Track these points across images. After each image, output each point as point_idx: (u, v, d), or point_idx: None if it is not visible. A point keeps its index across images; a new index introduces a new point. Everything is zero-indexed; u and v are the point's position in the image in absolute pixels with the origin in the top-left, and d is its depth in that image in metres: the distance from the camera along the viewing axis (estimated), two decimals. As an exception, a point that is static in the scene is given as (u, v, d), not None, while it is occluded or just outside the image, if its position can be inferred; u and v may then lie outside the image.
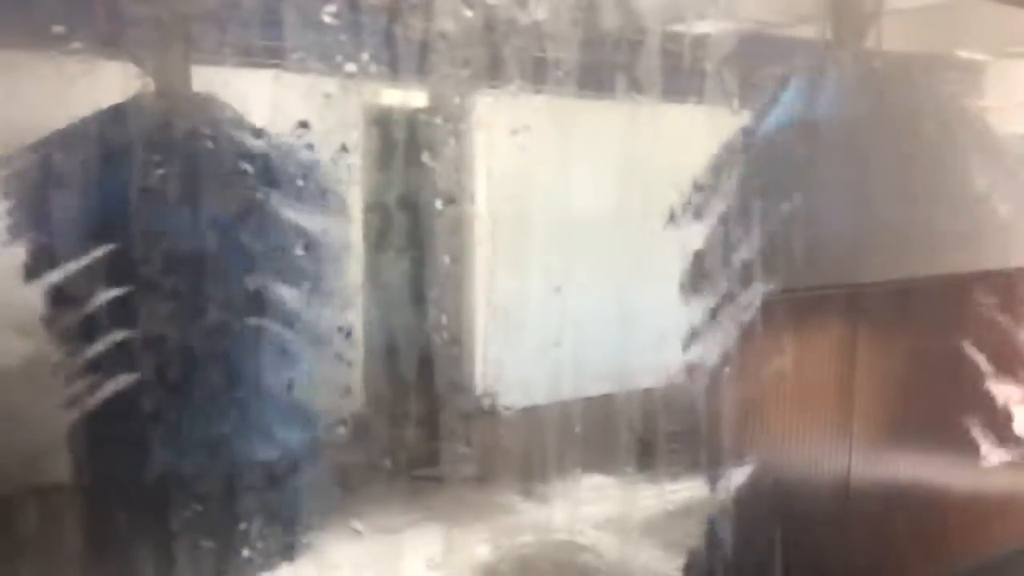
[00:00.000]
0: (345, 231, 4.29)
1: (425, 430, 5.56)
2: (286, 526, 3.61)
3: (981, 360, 4.17)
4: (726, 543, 4.06)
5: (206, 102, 3.09)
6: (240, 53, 3.65)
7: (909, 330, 4.27)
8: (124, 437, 3.16)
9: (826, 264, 3.99)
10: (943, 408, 4.22)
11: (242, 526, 3.39)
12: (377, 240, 5.43)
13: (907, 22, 4.85)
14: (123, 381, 3.05)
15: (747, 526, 3.98)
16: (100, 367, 3.07)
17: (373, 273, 5.63)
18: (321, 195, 3.40)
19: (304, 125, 3.31)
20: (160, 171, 2.94)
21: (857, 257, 4.07)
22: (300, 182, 3.30)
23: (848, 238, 4.04)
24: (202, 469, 3.23)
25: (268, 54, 4.01)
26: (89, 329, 3.02)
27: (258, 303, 3.41)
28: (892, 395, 4.30)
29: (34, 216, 3.14)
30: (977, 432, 4.27)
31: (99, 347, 3.03)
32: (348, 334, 4.86)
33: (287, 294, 3.51)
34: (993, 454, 4.30)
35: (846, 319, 4.07)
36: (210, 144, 3.02)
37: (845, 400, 4.14)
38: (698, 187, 4.28)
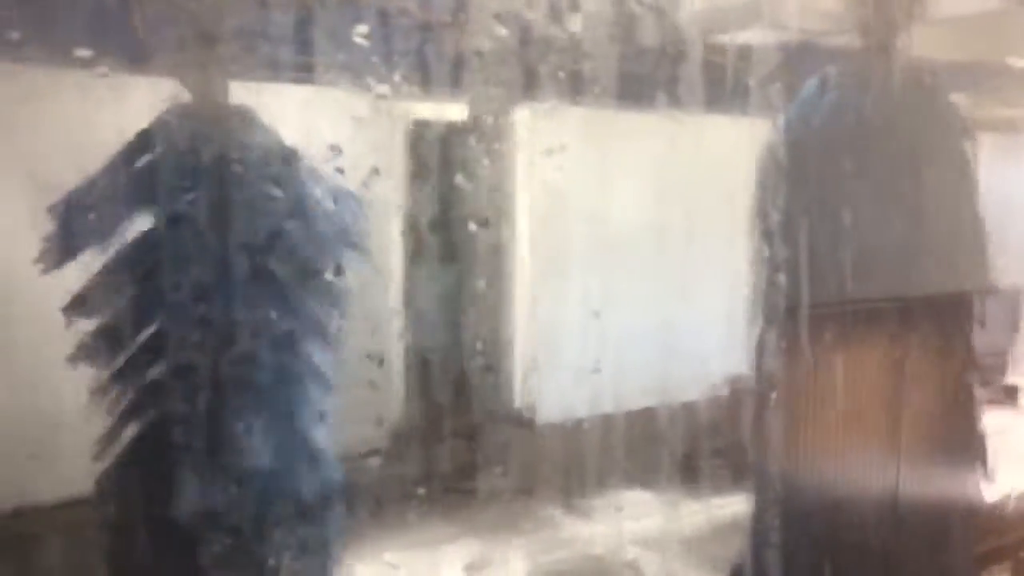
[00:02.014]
0: (381, 252, 4.28)
1: (464, 445, 5.58)
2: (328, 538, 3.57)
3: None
4: (773, 561, 3.99)
5: (244, 116, 3.11)
6: (274, 69, 3.71)
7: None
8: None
9: (871, 277, 3.91)
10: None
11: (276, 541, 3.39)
12: (415, 261, 5.45)
13: (955, 30, 4.75)
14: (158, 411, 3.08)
15: (795, 544, 3.90)
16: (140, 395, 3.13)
17: (411, 295, 5.65)
18: (353, 218, 3.36)
19: (336, 146, 3.32)
20: (197, 188, 2.97)
21: (902, 271, 3.98)
22: (331, 203, 3.29)
23: (892, 251, 3.95)
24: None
25: (303, 70, 4.07)
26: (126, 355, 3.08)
27: (292, 328, 3.37)
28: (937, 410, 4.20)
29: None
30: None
31: (135, 374, 3.08)
32: (381, 359, 4.85)
33: (322, 319, 3.45)
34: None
35: (894, 333, 3.99)
36: (244, 161, 3.04)
37: (893, 416, 4.05)
38: (739, 202, 4.23)
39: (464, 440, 5.62)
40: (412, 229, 5.61)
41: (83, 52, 2.91)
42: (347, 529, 3.52)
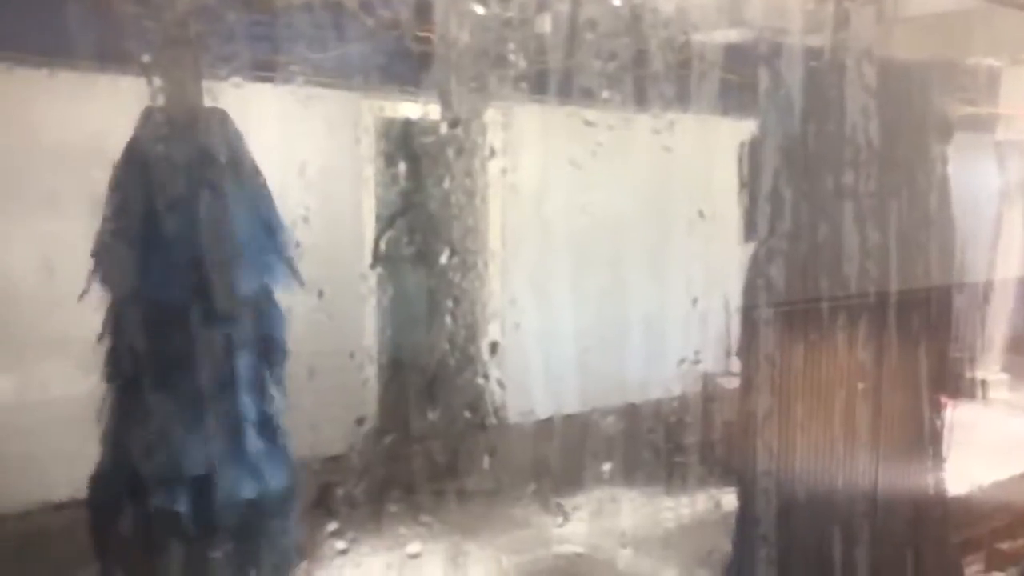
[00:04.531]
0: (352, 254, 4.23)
1: (438, 445, 5.55)
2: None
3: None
4: (749, 556, 4.02)
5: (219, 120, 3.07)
6: (255, 68, 3.66)
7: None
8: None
9: (841, 274, 3.95)
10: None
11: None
12: (387, 262, 5.41)
13: (921, 29, 4.82)
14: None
15: (776, 538, 3.94)
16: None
17: (383, 296, 5.62)
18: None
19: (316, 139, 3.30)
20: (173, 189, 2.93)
21: (873, 267, 4.03)
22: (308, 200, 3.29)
23: (864, 248, 4.00)
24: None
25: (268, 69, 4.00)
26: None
27: (268, 324, 3.38)
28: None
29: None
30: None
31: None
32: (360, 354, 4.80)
33: (299, 312, 3.47)
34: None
35: (867, 329, 4.03)
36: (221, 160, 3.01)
37: (866, 411, 4.10)
38: (716, 202, 4.26)
39: (438, 440, 5.59)
40: (383, 230, 5.57)
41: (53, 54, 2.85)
42: (316, 529, 3.52)
